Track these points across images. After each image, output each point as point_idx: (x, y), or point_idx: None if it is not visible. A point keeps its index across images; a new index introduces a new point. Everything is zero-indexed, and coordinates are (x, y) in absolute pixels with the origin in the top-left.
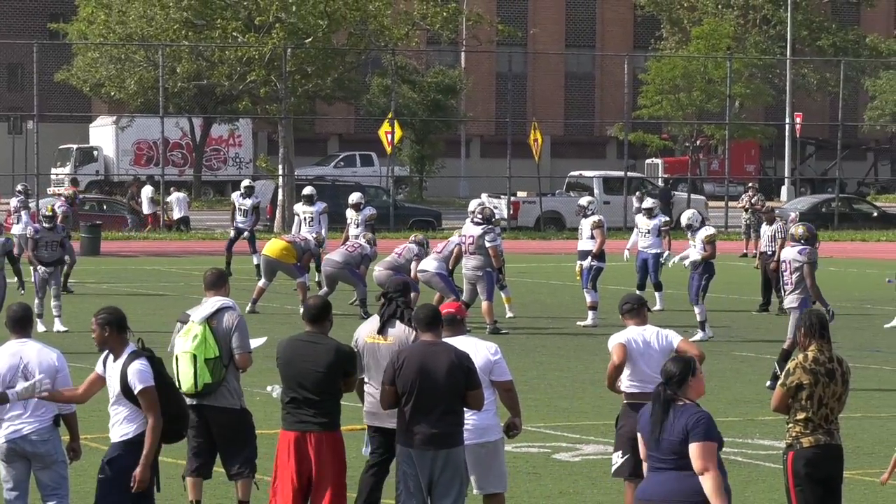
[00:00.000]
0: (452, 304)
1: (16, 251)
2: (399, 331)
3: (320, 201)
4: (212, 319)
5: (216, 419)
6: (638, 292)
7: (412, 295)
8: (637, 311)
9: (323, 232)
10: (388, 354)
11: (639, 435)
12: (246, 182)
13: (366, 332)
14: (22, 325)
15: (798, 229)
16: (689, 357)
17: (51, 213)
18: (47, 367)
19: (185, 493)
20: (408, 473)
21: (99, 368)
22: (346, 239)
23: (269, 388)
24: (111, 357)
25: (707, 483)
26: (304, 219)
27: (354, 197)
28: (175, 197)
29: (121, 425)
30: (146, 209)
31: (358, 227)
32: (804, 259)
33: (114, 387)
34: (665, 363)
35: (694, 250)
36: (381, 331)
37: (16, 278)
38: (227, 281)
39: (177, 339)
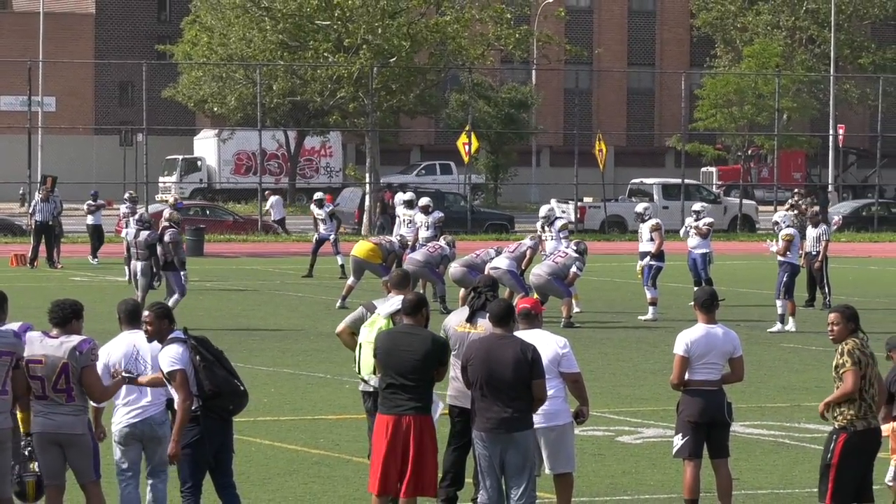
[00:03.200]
0: (529, 300)
1: (124, 253)
2: (488, 322)
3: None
4: (395, 315)
5: None
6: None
7: None
8: (707, 306)
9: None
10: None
11: None
12: (318, 195)
13: (455, 322)
14: (134, 318)
15: None
16: None
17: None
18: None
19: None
20: (482, 455)
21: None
22: (416, 240)
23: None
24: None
25: None
26: (404, 220)
27: (423, 200)
28: (273, 200)
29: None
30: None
31: (428, 229)
32: None
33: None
34: None
35: (775, 247)
36: (471, 319)
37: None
38: (411, 281)
39: (363, 328)
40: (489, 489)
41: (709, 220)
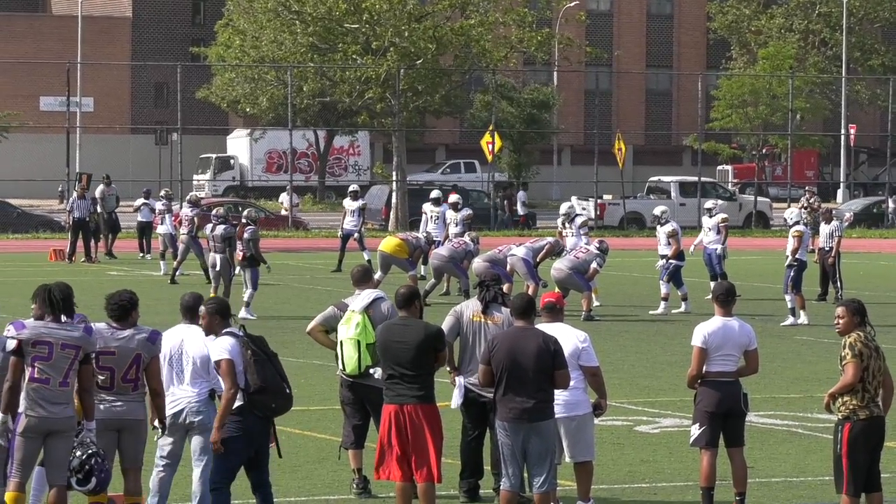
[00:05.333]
0: (553, 294)
1: (160, 248)
2: (506, 314)
3: (445, 203)
4: (369, 309)
5: (369, 397)
6: (712, 283)
7: (506, 286)
8: (724, 301)
9: (443, 231)
10: (495, 332)
11: None
12: (353, 187)
13: (471, 311)
14: (191, 312)
15: None
16: None
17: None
18: (200, 351)
19: (340, 463)
20: (505, 444)
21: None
22: (447, 236)
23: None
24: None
25: None
26: (431, 217)
27: (453, 198)
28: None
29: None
30: (520, 211)
31: (457, 225)
32: None
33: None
34: None
35: (790, 244)
36: (486, 311)
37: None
38: (373, 275)
39: (340, 327)
40: (511, 476)
41: (722, 215)
